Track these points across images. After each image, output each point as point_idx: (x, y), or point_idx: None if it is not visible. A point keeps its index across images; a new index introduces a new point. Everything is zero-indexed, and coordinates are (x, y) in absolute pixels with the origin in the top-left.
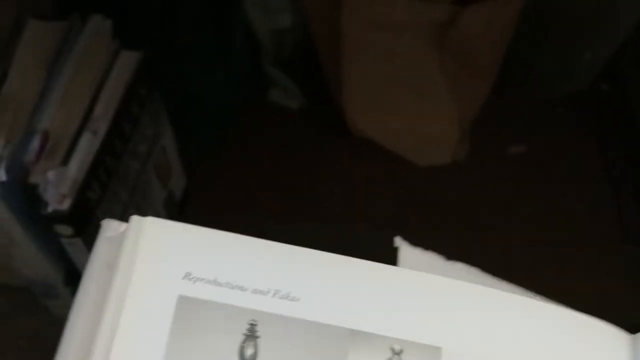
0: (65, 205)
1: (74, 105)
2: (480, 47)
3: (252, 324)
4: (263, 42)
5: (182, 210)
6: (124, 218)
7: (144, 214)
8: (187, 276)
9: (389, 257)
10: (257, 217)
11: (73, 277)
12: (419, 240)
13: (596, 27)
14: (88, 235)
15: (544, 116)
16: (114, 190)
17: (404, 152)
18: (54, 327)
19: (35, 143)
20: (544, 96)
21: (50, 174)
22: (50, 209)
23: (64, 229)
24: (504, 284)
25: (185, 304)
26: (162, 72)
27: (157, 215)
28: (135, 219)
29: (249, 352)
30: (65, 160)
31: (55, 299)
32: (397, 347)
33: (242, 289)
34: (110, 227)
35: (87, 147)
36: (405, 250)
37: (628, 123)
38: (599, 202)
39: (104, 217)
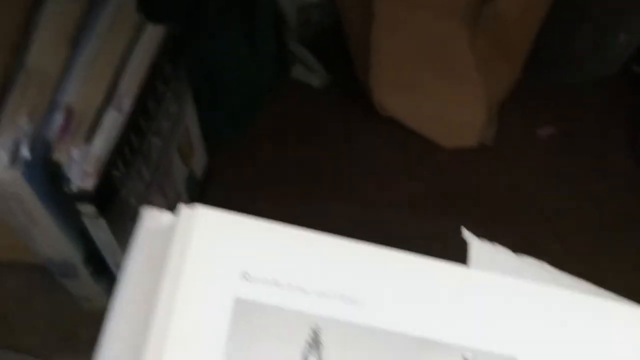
0: (90, 183)
1: (98, 81)
2: (513, 26)
3: (315, 331)
4: (288, 19)
5: (203, 189)
6: (147, 198)
7: (166, 193)
8: (245, 276)
9: (417, 242)
10: (280, 196)
11: (93, 257)
12: (445, 223)
13: (633, 8)
14: (111, 214)
15: (574, 98)
16: (138, 169)
17: (430, 134)
18: (72, 307)
19: (59, 119)
20: (576, 79)
21: (75, 152)
22: (74, 188)
23: (88, 208)
24: (576, 280)
25: (242, 307)
26: (186, 49)
27: (178, 194)
28: (185, 209)
29: None
30: (90, 138)
31: (74, 278)
32: (470, 356)
33: (304, 291)
34: (151, 217)
35: (111, 124)
36: (476, 245)
37: None
38: (629, 186)
39: (127, 196)
